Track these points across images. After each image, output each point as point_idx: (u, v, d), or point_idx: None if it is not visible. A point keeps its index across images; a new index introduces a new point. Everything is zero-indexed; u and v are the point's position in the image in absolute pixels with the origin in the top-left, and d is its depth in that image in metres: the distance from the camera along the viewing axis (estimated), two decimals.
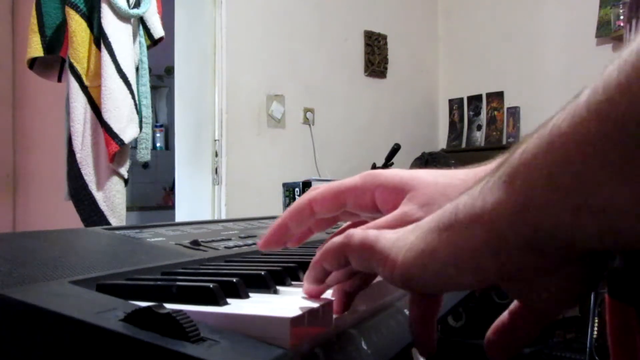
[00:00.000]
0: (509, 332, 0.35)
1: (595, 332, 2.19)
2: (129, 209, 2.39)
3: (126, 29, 2.09)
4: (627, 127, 0.22)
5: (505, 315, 0.35)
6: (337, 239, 0.36)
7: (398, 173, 0.42)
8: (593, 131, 0.23)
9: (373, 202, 0.43)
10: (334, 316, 0.37)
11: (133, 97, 2.08)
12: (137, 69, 2.17)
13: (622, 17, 2.81)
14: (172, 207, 3.33)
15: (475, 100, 3.68)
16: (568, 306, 0.30)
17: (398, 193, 0.41)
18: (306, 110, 3.06)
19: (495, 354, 0.35)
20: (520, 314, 0.34)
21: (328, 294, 0.40)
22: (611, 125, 0.23)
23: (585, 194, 0.24)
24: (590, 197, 0.24)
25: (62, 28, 2.07)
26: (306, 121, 3.06)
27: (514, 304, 0.34)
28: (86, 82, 2.05)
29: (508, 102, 3.52)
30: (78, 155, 2.04)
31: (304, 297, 0.39)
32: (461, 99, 3.75)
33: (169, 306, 0.30)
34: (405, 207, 0.40)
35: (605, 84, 0.23)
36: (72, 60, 2.04)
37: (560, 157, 0.25)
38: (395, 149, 2.79)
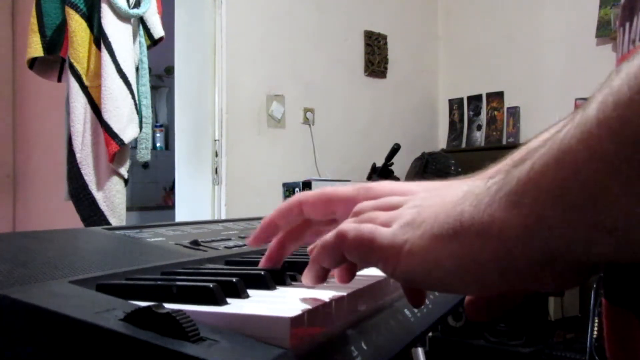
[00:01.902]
0: (493, 297, 0.35)
1: (595, 332, 2.19)
2: (129, 209, 2.39)
3: (126, 29, 2.09)
4: None
5: None
6: (330, 236, 0.36)
7: (390, 187, 0.42)
8: (605, 148, 0.23)
9: None
10: (334, 316, 0.37)
11: (133, 97, 2.08)
12: (137, 69, 2.17)
13: None
14: (172, 207, 3.33)
15: (475, 100, 3.68)
16: (561, 291, 0.30)
17: None
18: (306, 110, 3.06)
19: (474, 314, 0.35)
20: None
21: (328, 294, 0.40)
22: (624, 142, 0.22)
23: (599, 212, 0.24)
24: (604, 214, 0.23)
25: (62, 28, 2.07)
26: (306, 121, 3.06)
27: None
28: (86, 82, 2.05)
29: (508, 102, 3.52)
30: (78, 155, 2.04)
31: (304, 297, 0.39)
32: (461, 99, 3.75)
33: (169, 306, 0.30)
34: None
35: (616, 100, 0.23)
36: (72, 60, 2.04)
37: (572, 174, 0.24)
38: (395, 149, 2.79)
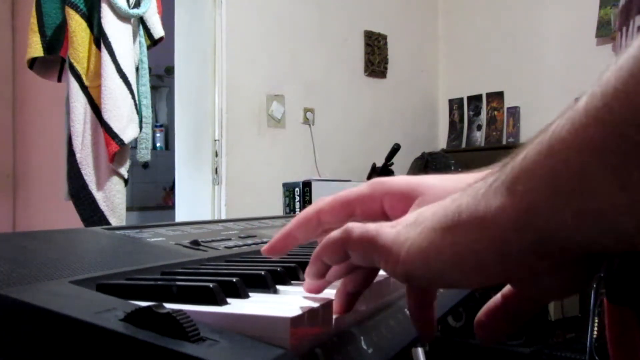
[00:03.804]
0: (501, 315, 0.35)
1: (595, 332, 2.19)
2: (129, 209, 2.39)
3: (126, 29, 2.09)
4: (625, 133, 0.23)
5: (498, 297, 0.35)
6: (336, 233, 0.36)
7: (405, 179, 0.42)
8: (592, 137, 0.24)
9: (382, 210, 0.43)
10: (334, 316, 0.37)
11: (133, 97, 2.08)
12: (137, 69, 2.17)
13: None
14: (172, 207, 3.33)
15: (475, 100, 3.68)
16: (566, 297, 0.31)
17: (407, 199, 0.41)
18: (306, 110, 3.06)
19: (485, 335, 0.36)
20: (513, 298, 0.35)
21: (329, 294, 0.40)
22: (610, 131, 0.23)
23: (585, 198, 0.24)
24: (590, 201, 0.24)
25: (62, 28, 2.07)
26: (306, 121, 3.06)
27: (507, 287, 0.35)
28: (86, 82, 2.05)
29: (508, 102, 3.52)
30: (78, 155, 2.04)
31: (304, 297, 0.39)
32: (461, 99, 3.75)
33: (169, 306, 0.30)
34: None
35: (603, 90, 0.24)
36: (72, 60, 2.04)
37: (561, 162, 0.25)
38: (395, 149, 2.79)
